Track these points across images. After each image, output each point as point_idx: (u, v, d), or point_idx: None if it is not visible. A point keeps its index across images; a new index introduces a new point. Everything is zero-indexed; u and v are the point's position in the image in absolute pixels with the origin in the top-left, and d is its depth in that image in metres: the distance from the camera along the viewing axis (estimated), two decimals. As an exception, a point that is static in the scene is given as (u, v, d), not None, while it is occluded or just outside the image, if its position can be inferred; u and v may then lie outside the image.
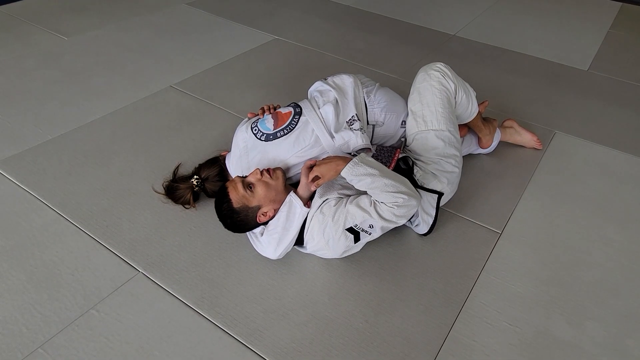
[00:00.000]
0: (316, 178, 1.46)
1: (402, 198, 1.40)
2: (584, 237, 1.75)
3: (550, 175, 2.03)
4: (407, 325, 1.43)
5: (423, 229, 1.67)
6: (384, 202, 1.40)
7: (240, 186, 1.49)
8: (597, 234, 1.77)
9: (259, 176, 1.51)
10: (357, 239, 1.46)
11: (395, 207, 1.40)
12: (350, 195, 1.50)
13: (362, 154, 1.48)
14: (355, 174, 1.42)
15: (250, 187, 1.49)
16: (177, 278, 1.54)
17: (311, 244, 1.51)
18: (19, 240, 1.65)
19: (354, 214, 1.42)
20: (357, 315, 1.45)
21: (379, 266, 1.59)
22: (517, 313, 1.48)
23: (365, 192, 1.48)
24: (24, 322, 1.40)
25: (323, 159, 1.50)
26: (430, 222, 1.65)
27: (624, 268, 1.64)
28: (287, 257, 1.57)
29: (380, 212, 1.41)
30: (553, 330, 1.43)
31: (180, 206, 1.77)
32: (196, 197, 1.77)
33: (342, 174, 1.44)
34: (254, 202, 1.49)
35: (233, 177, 1.55)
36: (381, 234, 1.49)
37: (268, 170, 1.53)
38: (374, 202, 1.42)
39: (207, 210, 1.76)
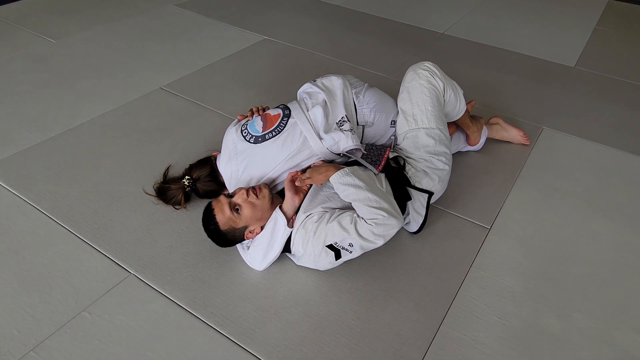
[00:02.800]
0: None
1: (382, 215, 1.37)
2: (571, 231, 1.78)
3: (538, 170, 2.06)
4: (398, 321, 1.44)
5: (413, 227, 1.68)
6: (364, 218, 1.39)
7: (226, 208, 1.49)
8: (585, 228, 1.79)
9: (244, 197, 1.51)
10: (338, 256, 1.45)
11: (374, 225, 1.37)
12: (334, 209, 1.49)
13: (355, 167, 1.49)
14: (343, 182, 1.43)
15: (237, 209, 1.50)
16: (169, 279, 1.55)
17: (297, 257, 1.53)
18: (9, 244, 1.64)
19: (333, 232, 1.41)
20: (348, 312, 1.46)
21: (370, 263, 1.61)
22: (506, 307, 1.50)
23: (349, 207, 1.49)
24: (15, 325, 1.40)
25: (316, 166, 1.52)
26: (421, 221, 1.66)
27: (610, 261, 1.67)
28: (278, 257, 1.58)
29: (359, 230, 1.38)
30: (541, 323, 1.46)
31: (171, 207, 1.78)
32: (187, 198, 1.78)
33: (330, 179, 1.46)
34: (240, 224, 1.51)
35: (219, 197, 1.55)
36: (362, 253, 1.46)
37: (254, 189, 1.53)
38: (355, 220, 1.40)
39: (197, 211, 1.76)
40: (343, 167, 1.48)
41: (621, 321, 1.47)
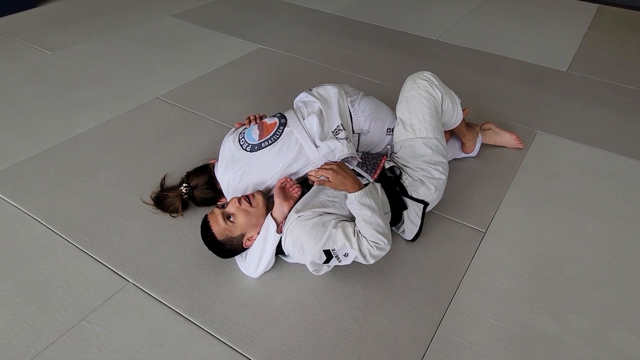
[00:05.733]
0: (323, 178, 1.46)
1: (383, 242, 1.43)
2: (566, 233, 1.80)
3: (533, 174, 2.08)
4: (395, 325, 1.45)
5: (408, 236, 1.70)
6: (367, 238, 1.42)
7: (220, 219, 1.51)
8: (579, 230, 1.81)
9: (237, 205, 1.53)
10: (327, 261, 1.47)
11: (374, 248, 1.43)
12: (327, 214, 1.50)
13: (370, 185, 1.49)
14: (363, 202, 1.43)
15: (231, 218, 1.52)
16: (167, 287, 1.55)
17: (290, 256, 1.55)
18: (8, 255, 1.65)
19: (335, 239, 1.43)
20: (346, 316, 1.47)
21: (367, 268, 1.62)
22: (502, 309, 1.51)
23: (343, 215, 1.51)
24: (14, 335, 1.41)
25: (338, 167, 1.47)
26: (415, 231, 1.68)
27: (604, 262, 1.69)
28: (275, 262, 1.59)
29: (360, 246, 1.43)
30: (537, 325, 1.47)
31: (169, 216, 1.79)
32: (185, 205, 1.79)
33: (350, 196, 1.45)
34: (236, 232, 1.52)
35: (213, 210, 1.56)
36: (348, 264, 1.50)
37: (247, 197, 1.55)
38: (358, 234, 1.43)
39: (195, 219, 1.77)
40: (360, 182, 1.48)
41: (616, 321, 1.49)
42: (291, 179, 1.63)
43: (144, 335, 1.42)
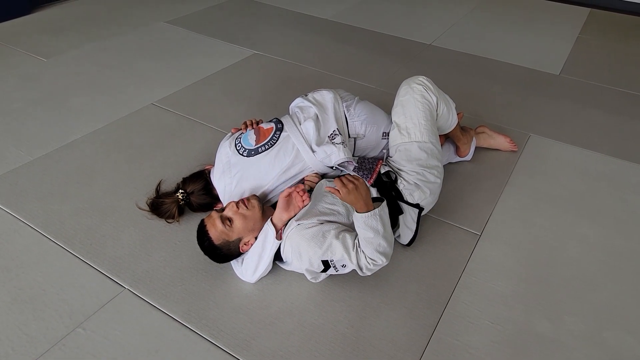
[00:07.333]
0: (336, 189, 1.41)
1: (382, 260, 1.42)
2: (560, 234, 1.81)
3: (527, 176, 2.09)
4: (392, 328, 1.45)
5: (404, 240, 1.71)
6: (365, 253, 1.42)
7: (218, 222, 1.50)
8: (573, 232, 1.82)
9: (235, 209, 1.53)
10: (324, 270, 1.47)
11: (371, 264, 1.42)
12: (328, 222, 1.50)
13: (384, 204, 1.45)
14: (368, 224, 1.39)
15: (229, 222, 1.51)
16: (163, 293, 1.55)
17: (288, 263, 1.54)
18: (2, 262, 1.64)
19: (334, 250, 1.42)
20: (342, 320, 1.47)
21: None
22: (498, 311, 1.52)
23: (343, 223, 1.51)
24: (9, 343, 1.40)
25: (359, 189, 1.40)
26: (411, 235, 1.68)
27: (599, 263, 1.70)
28: (272, 267, 1.59)
29: (359, 260, 1.42)
30: (533, 326, 1.47)
31: (164, 222, 1.78)
32: (181, 211, 1.79)
33: (356, 215, 1.41)
34: (234, 236, 1.52)
35: (210, 213, 1.56)
36: (345, 273, 1.50)
37: (243, 201, 1.55)
38: (357, 248, 1.42)
39: (191, 225, 1.77)
40: (371, 203, 1.43)
41: (611, 322, 1.50)
42: (303, 189, 1.54)
43: (140, 341, 1.41)
